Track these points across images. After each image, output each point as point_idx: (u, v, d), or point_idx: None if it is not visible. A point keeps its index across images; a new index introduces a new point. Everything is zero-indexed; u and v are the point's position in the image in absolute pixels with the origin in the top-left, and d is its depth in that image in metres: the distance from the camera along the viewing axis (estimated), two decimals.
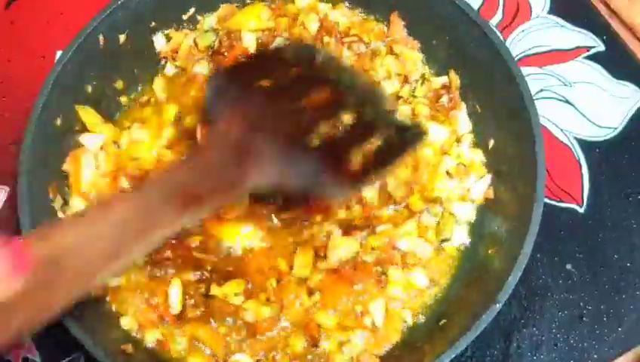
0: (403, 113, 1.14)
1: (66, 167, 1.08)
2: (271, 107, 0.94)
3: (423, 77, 1.18)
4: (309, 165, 0.92)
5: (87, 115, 1.11)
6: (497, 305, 0.94)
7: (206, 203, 0.87)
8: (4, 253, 0.71)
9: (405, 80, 1.17)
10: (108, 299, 1.03)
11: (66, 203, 1.07)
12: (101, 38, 1.10)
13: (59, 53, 1.25)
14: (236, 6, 1.21)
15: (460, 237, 1.10)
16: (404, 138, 1.00)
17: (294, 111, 0.95)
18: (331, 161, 0.93)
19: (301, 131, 0.93)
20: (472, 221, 1.10)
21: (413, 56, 1.18)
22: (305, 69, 1.01)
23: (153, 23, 1.17)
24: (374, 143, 0.97)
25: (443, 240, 1.09)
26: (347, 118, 0.98)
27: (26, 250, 0.74)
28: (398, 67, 1.18)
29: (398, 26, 1.19)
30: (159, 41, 1.19)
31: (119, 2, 1.10)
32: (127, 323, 1.02)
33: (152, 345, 1.02)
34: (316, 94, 0.98)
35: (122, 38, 1.14)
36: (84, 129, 1.12)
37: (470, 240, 1.10)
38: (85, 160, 1.09)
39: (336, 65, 1.05)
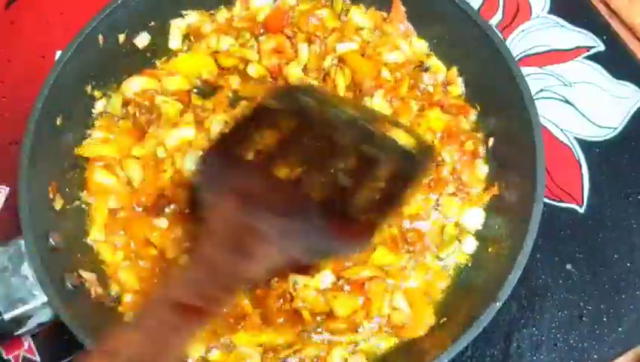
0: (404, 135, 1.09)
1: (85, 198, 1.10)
2: (262, 178, 0.90)
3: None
4: (316, 232, 0.87)
5: (89, 148, 1.11)
6: (497, 304, 0.94)
7: (218, 304, 0.82)
8: None
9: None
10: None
11: (66, 203, 1.07)
12: (100, 37, 1.10)
13: (59, 53, 1.25)
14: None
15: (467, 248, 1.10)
16: (412, 165, 0.96)
17: (289, 174, 0.91)
18: (338, 221, 0.88)
19: (298, 196, 0.89)
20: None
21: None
22: (293, 117, 0.97)
23: (152, 23, 1.17)
24: (381, 180, 0.93)
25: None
26: (347, 162, 0.94)
27: None
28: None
29: (399, 11, 1.19)
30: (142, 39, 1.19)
31: (119, 2, 1.10)
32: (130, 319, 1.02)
33: None
34: (309, 143, 0.94)
35: (122, 37, 1.14)
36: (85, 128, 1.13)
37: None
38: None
39: (324, 98, 1.02)
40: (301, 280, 1.02)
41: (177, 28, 1.20)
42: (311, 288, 1.02)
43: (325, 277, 1.03)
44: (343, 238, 0.89)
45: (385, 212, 0.92)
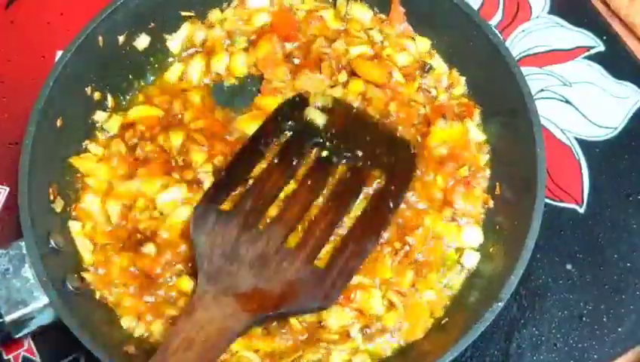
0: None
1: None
2: (243, 232, 0.91)
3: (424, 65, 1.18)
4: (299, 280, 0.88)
5: (82, 162, 1.11)
6: (500, 303, 0.94)
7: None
8: None
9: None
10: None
11: (66, 205, 1.07)
12: (100, 39, 1.10)
13: (59, 53, 1.25)
14: None
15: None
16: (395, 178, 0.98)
17: (270, 224, 0.92)
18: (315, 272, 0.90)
19: (275, 247, 0.90)
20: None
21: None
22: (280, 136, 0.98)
23: (152, 24, 1.17)
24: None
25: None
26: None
27: None
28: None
29: (398, 12, 1.19)
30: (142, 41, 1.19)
31: (119, 2, 1.10)
32: (127, 323, 1.02)
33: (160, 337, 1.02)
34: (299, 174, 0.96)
35: (121, 39, 1.14)
36: (85, 130, 1.13)
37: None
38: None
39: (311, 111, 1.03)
40: None
41: (174, 40, 1.20)
42: None
43: None
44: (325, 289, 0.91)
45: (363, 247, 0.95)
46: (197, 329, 0.80)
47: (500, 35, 1.13)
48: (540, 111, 1.04)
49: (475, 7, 1.27)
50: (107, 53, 1.12)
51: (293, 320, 1.00)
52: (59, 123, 1.07)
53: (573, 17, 1.32)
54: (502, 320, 1.10)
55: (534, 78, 1.26)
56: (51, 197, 1.04)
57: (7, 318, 0.93)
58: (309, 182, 0.97)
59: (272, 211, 0.96)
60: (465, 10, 1.11)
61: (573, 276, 1.13)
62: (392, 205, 1.00)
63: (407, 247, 1.05)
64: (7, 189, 1.19)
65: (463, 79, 1.17)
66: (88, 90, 1.12)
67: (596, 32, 1.30)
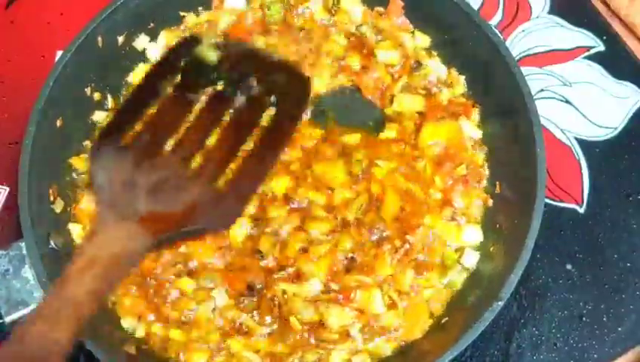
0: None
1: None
2: (142, 162, 0.90)
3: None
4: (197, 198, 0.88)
5: (83, 162, 1.11)
6: (500, 302, 0.94)
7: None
8: None
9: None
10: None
11: (66, 206, 1.07)
12: (100, 39, 1.10)
13: (59, 53, 1.25)
14: None
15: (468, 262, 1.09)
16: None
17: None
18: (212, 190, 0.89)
19: (174, 173, 0.90)
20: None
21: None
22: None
23: (152, 24, 1.17)
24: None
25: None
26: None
27: None
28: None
29: (396, 4, 1.19)
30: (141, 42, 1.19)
31: (119, 2, 1.10)
32: (127, 323, 1.02)
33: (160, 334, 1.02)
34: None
35: (121, 39, 1.14)
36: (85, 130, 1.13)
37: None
38: None
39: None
40: (289, 288, 1.02)
41: (153, 49, 1.20)
42: (300, 297, 1.02)
43: (313, 285, 1.03)
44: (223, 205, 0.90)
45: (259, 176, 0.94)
46: (99, 250, 0.81)
47: (500, 34, 1.13)
48: (540, 111, 1.04)
49: (475, 7, 1.27)
50: (107, 53, 1.12)
51: (293, 320, 1.01)
52: (59, 123, 1.07)
53: (573, 17, 1.31)
54: (502, 320, 1.09)
55: (534, 78, 1.26)
56: (51, 198, 1.04)
57: (7, 319, 0.93)
58: (206, 113, 0.99)
59: (171, 142, 0.94)
60: (465, 10, 1.11)
61: (573, 276, 1.13)
62: (288, 126, 1.00)
63: (407, 245, 1.06)
64: (7, 189, 1.19)
65: (462, 78, 1.17)
66: (88, 90, 1.12)
67: (596, 32, 1.30)
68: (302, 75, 1.04)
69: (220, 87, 1.01)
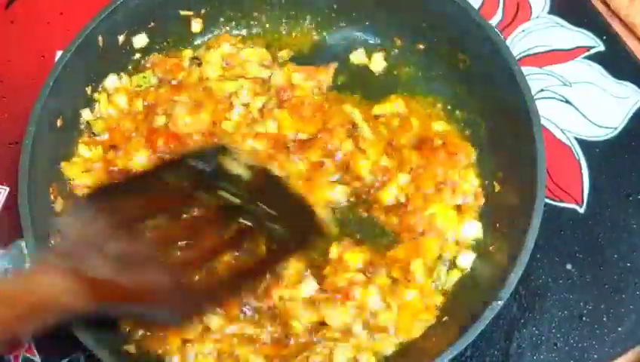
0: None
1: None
2: (119, 231, 0.89)
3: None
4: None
5: (71, 168, 1.10)
6: (499, 302, 0.94)
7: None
8: None
9: None
10: None
11: (66, 205, 1.07)
12: (100, 38, 1.10)
13: (59, 53, 1.25)
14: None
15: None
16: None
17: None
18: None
19: (145, 254, 0.90)
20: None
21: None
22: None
23: (152, 24, 1.17)
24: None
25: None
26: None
27: None
28: None
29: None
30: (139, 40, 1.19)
31: (119, 2, 1.10)
32: (128, 323, 1.02)
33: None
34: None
35: (121, 38, 1.14)
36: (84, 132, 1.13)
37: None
38: None
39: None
40: (284, 292, 1.02)
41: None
42: (297, 300, 1.02)
43: (308, 286, 1.03)
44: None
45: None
46: (28, 289, 0.78)
47: (500, 34, 1.13)
48: (540, 111, 1.04)
49: (475, 7, 1.26)
50: (107, 52, 1.12)
51: (295, 323, 1.01)
52: (59, 123, 1.07)
53: (573, 17, 1.31)
54: (502, 320, 1.09)
55: (534, 78, 1.26)
56: (51, 197, 1.04)
57: None
58: (204, 214, 0.98)
59: (157, 223, 0.95)
60: (465, 10, 1.11)
61: (573, 276, 1.13)
62: (280, 257, 1.01)
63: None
64: (7, 189, 1.19)
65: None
66: (88, 90, 1.13)
67: (596, 32, 1.30)
68: (315, 217, 1.03)
69: (236, 200, 0.99)
